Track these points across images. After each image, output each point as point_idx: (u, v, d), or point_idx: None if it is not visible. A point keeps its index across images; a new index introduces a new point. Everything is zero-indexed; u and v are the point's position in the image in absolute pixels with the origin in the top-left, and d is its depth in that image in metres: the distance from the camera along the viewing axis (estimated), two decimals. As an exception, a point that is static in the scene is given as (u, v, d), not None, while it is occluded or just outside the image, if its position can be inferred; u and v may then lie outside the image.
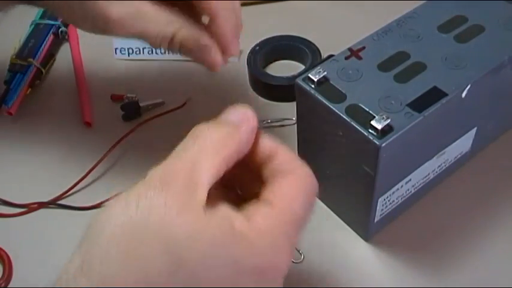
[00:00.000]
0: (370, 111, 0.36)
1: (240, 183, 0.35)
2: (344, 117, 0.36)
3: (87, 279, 0.26)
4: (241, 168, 0.31)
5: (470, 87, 0.38)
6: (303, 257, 0.43)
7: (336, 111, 0.37)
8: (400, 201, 0.42)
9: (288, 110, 0.52)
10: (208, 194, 0.28)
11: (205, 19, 0.40)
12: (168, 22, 0.39)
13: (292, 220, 0.29)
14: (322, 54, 0.55)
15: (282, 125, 0.52)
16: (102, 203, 0.47)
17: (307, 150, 0.44)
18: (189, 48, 0.40)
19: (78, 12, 0.38)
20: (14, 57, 0.57)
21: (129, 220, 0.27)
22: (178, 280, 0.26)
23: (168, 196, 0.27)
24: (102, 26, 0.38)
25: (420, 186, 0.43)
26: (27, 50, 0.58)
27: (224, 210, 0.28)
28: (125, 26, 0.38)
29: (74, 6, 0.38)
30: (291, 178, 0.31)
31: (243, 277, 0.27)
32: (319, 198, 0.46)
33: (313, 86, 0.38)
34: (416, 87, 0.38)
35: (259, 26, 0.60)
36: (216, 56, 0.41)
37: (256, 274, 0.28)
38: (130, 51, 0.59)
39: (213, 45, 0.40)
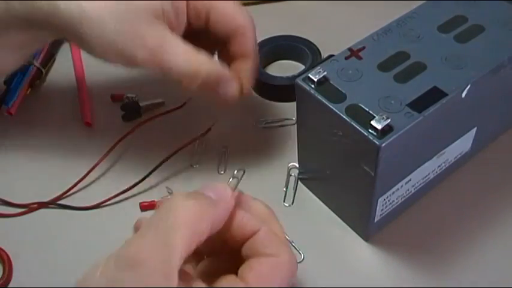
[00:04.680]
0: (370, 111, 0.36)
1: (210, 253, 0.35)
2: (344, 117, 0.36)
3: None
4: (213, 240, 0.31)
5: (470, 87, 0.38)
6: (303, 257, 0.43)
7: (336, 111, 0.37)
8: (400, 201, 0.42)
9: (288, 110, 0.52)
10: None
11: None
12: (194, 57, 0.38)
13: None
14: (322, 54, 0.55)
15: (282, 125, 0.52)
16: (102, 203, 0.47)
17: (307, 150, 0.44)
18: (212, 83, 0.40)
19: (108, 49, 0.38)
20: (14, 57, 0.57)
21: None
22: None
23: (140, 278, 0.27)
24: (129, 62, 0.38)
25: (420, 186, 0.43)
26: (27, 50, 0.58)
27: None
28: (151, 61, 0.38)
29: (105, 45, 0.38)
30: (272, 260, 0.31)
31: None
32: (319, 198, 0.46)
33: (313, 86, 0.38)
34: (416, 87, 0.38)
35: (259, 26, 0.60)
36: (236, 91, 0.41)
37: None
38: (131, 51, 0.59)
39: (235, 81, 0.41)
